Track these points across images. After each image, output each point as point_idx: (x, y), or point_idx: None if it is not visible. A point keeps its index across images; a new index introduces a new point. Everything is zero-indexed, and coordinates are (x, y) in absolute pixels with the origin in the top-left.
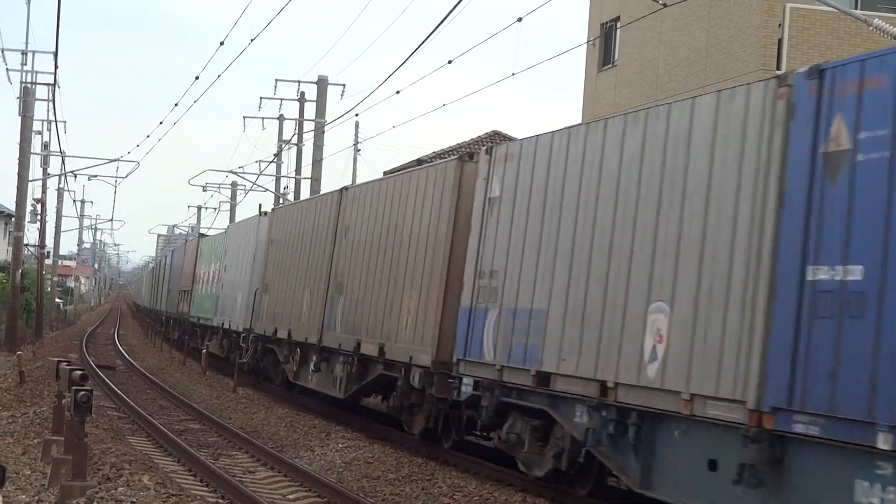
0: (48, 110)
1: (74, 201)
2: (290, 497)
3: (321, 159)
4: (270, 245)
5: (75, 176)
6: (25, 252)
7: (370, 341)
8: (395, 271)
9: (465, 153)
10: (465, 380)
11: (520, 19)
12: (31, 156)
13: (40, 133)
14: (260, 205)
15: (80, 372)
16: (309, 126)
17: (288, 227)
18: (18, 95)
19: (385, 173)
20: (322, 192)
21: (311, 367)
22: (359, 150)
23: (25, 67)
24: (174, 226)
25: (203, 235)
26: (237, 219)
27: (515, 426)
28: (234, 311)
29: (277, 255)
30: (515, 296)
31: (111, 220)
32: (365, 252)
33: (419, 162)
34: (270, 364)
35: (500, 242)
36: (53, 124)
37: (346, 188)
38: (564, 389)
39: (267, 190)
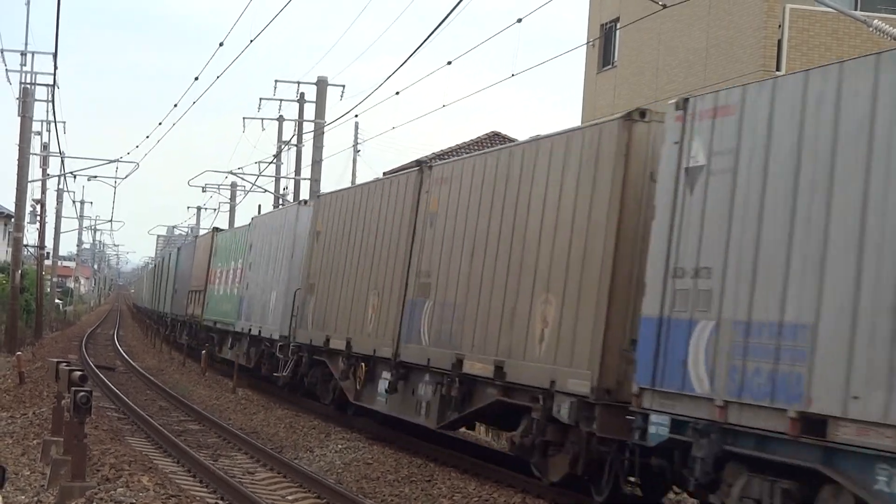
0: (47, 111)
1: (74, 202)
2: (290, 498)
3: (321, 160)
4: (316, 238)
5: (75, 177)
6: (25, 253)
7: (479, 358)
8: (516, 269)
9: (636, 109)
10: (654, 417)
11: (519, 20)
12: (31, 156)
13: (40, 134)
14: (259, 205)
15: (79, 373)
16: (308, 127)
17: (341, 216)
18: (18, 96)
19: (385, 174)
20: (398, 171)
21: (384, 386)
22: (358, 151)
23: (25, 68)
24: (174, 227)
25: (218, 230)
26: (237, 220)
27: (751, 488)
28: (265, 315)
29: (327, 250)
30: (747, 302)
31: (111, 220)
32: (464, 245)
33: (418, 163)
34: (319, 379)
35: (710, 228)
36: (53, 125)
37: (428, 165)
38: (859, 441)
39: (266, 191)
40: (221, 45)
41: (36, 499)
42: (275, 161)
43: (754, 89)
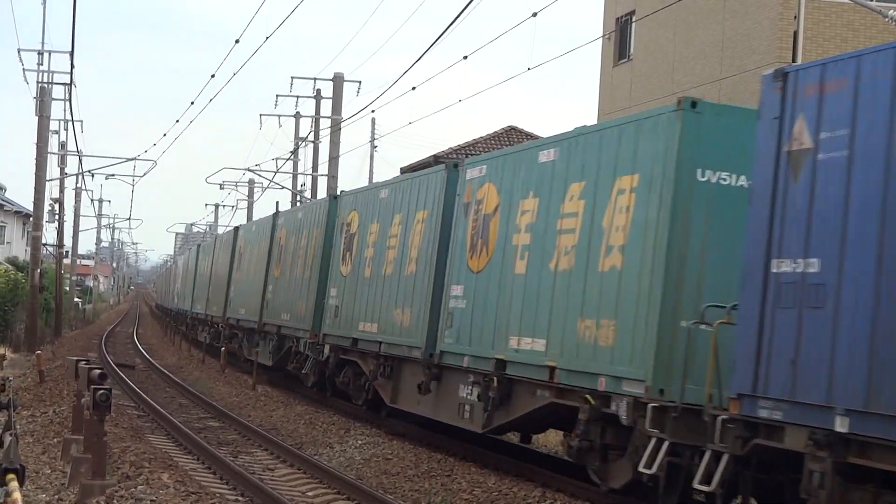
0: (65, 110)
1: (92, 200)
2: (310, 494)
3: (338, 156)
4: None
5: (93, 175)
6: (44, 251)
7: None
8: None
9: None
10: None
11: (535, 14)
12: (49, 155)
13: (57, 133)
14: (277, 202)
15: (99, 371)
16: (325, 123)
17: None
18: (35, 95)
19: (402, 170)
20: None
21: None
22: (375, 147)
23: (42, 67)
24: (191, 224)
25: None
26: (255, 217)
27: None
28: None
29: None
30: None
31: (129, 218)
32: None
33: (436, 158)
34: None
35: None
36: (70, 124)
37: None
38: None
39: (284, 187)
40: (238, 42)
41: (56, 497)
42: (292, 157)
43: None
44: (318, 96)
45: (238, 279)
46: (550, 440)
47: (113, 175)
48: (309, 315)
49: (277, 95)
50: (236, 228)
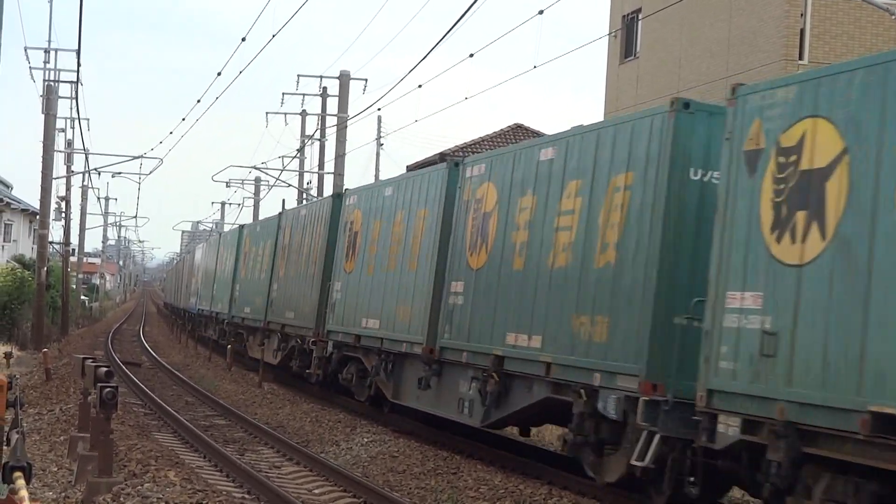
0: (71, 108)
1: (98, 198)
2: (316, 491)
3: (344, 154)
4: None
5: (99, 173)
6: (51, 250)
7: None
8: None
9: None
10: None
11: (541, 12)
12: (55, 153)
13: (64, 131)
14: (283, 200)
15: (105, 369)
16: (332, 121)
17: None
18: (42, 93)
19: (408, 167)
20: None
21: None
22: (382, 145)
23: (48, 65)
24: (198, 222)
25: None
26: (261, 215)
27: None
28: None
29: None
30: None
31: (135, 216)
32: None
33: (442, 156)
34: None
35: None
36: (77, 122)
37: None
38: None
39: (290, 185)
40: (244, 40)
41: (63, 495)
42: (298, 155)
43: None
44: (324, 94)
45: (353, 273)
46: None
47: (119, 173)
48: (636, 343)
49: (283, 93)
50: (337, 196)
